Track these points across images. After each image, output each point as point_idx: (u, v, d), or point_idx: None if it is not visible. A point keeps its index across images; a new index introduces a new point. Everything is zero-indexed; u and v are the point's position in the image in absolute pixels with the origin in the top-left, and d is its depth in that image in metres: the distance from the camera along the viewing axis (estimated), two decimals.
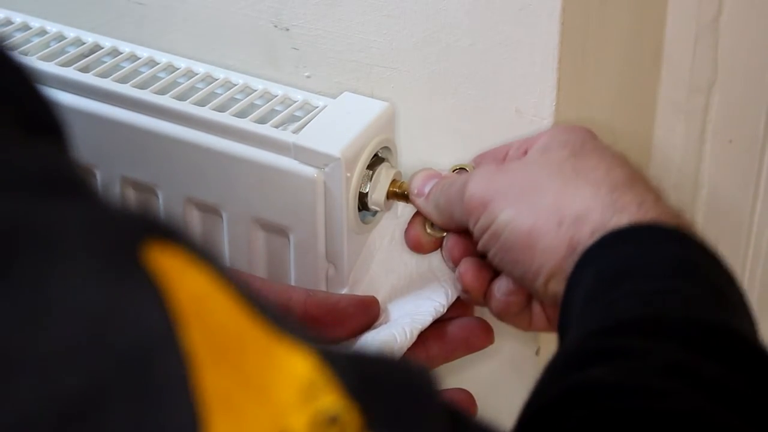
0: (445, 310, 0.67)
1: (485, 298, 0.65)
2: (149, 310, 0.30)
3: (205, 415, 0.30)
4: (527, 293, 0.63)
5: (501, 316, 0.65)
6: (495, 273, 0.64)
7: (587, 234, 0.56)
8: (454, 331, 0.67)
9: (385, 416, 0.34)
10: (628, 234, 0.56)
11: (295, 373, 0.33)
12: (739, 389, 0.47)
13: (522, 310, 0.64)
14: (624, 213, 0.56)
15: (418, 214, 0.68)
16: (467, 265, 0.65)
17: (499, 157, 0.66)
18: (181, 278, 0.31)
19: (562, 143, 0.61)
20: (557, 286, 0.58)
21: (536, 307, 0.64)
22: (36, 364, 0.28)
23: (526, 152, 0.63)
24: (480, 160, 0.67)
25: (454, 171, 0.68)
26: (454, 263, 0.66)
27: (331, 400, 0.33)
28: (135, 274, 0.31)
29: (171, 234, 0.32)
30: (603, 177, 0.58)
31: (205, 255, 0.33)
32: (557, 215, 0.57)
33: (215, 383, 0.30)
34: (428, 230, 0.68)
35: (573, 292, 0.56)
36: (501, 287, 0.63)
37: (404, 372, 0.37)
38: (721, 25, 0.77)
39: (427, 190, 0.66)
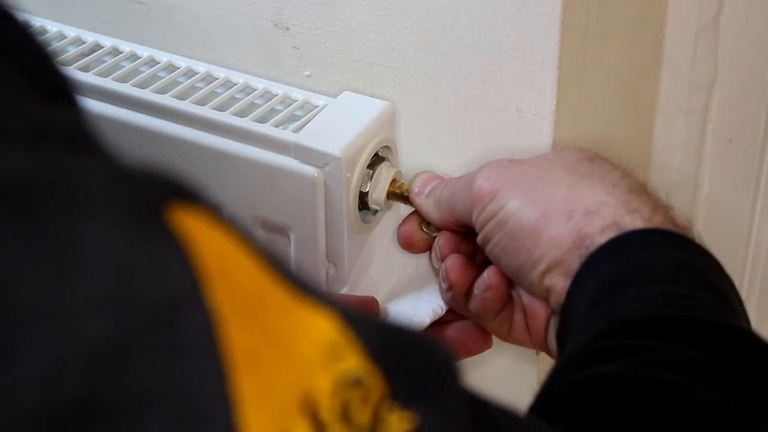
0: (444, 312, 0.67)
1: (466, 297, 0.65)
2: (175, 265, 0.30)
3: (230, 369, 0.30)
4: (505, 293, 0.63)
5: (480, 316, 0.65)
6: (479, 273, 0.64)
7: (598, 229, 0.57)
8: (453, 334, 0.67)
9: (407, 384, 0.34)
10: (636, 238, 0.56)
11: (318, 334, 0.33)
12: (751, 385, 0.47)
13: (499, 312, 0.64)
14: (636, 214, 0.57)
15: (414, 213, 0.68)
16: (453, 260, 0.65)
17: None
18: (204, 237, 0.31)
19: (577, 150, 0.62)
20: (554, 279, 0.58)
21: (517, 316, 0.64)
22: (64, 314, 0.28)
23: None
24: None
25: None
26: (442, 260, 0.66)
27: (354, 362, 0.33)
28: (160, 230, 0.31)
29: (194, 195, 0.33)
30: (618, 180, 0.59)
31: (226, 218, 0.33)
32: (568, 206, 0.58)
33: (240, 339, 0.30)
34: (423, 228, 0.68)
35: (574, 301, 0.56)
36: (481, 283, 0.63)
37: (428, 344, 0.37)
38: (721, 25, 0.77)
39: (427, 190, 0.66)
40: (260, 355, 0.31)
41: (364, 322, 0.35)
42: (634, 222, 0.56)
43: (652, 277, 0.54)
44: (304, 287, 0.34)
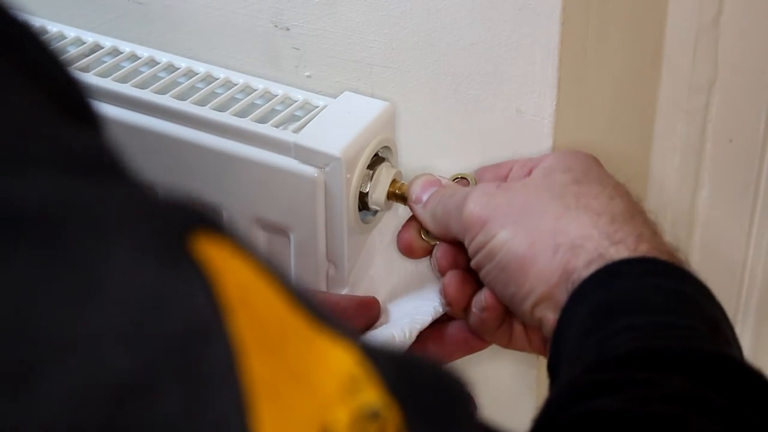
0: (444, 312, 0.67)
1: (465, 312, 0.65)
2: (198, 295, 0.30)
3: (251, 401, 0.30)
4: (502, 312, 0.63)
5: (478, 331, 0.65)
6: (477, 288, 0.64)
7: (583, 264, 0.56)
8: (453, 332, 0.67)
9: (423, 417, 0.35)
10: (623, 268, 0.56)
11: (337, 367, 0.33)
12: (744, 415, 0.47)
13: (498, 328, 0.64)
14: (621, 245, 0.56)
15: (413, 218, 0.68)
16: (451, 278, 0.65)
17: (502, 173, 0.66)
18: (227, 267, 0.32)
19: (566, 168, 0.61)
20: (544, 312, 0.58)
21: (517, 327, 0.64)
22: (86, 344, 0.28)
23: (530, 172, 0.63)
24: (482, 172, 0.67)
25: (454, 179, 0.68)
26: (441, 274, 0.66)
27: (372, 395, 0.33)
28: (184, 260, 0.31)
29: (216, 225, 0.33)
30: (604, 206, 0.58)
31: (249, 247, 0.33)
32: (554, 241, 0.57)
33: (261, 371, 0.31)
34: (423, 236, 0.68)
35: (564, 331, 0.56)
36: (478, 303, 0.64)
37: (443, 377, 0.38)
38: (721, 25, 0.77)
39: (425, 197, 0.66)
40: (281, 386, 0.31)
41: (382, 354, 0.35)
42: (619, 253, 0.56)
43: (642, 307, 0.54)
44: (324, 318, 0.34)
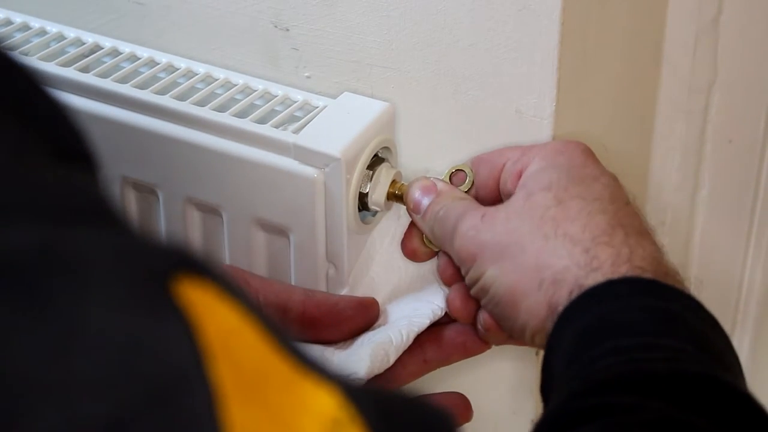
0: (443, 314, 0.67)
1: (473, 325, 0.66)
2: (178, 342, 0.30)
3: None
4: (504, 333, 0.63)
5: (485, 340, 0.66)
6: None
7: (565, 295, 0.57)
8: (451, 335, 0.67)
9: None
10: (603, 291, 0.56)
11: (320, 410, 0.33)
12: None
13: (503, 342, 0.65)
14: (599, 271, 0.56)
15: (414, 224, 0.68)
16: (455, 293, 0.66)
17: (496, 167, 0.65)
18: (210, 312, 0.31)
19: (548, 184, 0.60)
20: (543, 340, 0.58)
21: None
22: (63, 391, 0.28)
23: (520, 174, 0.63)
24: (478, 164, 0.67)
25: (451, 174, 0.68)
26: (445, 284, 0.67)
27: None
28: (165, 305, 0.31)
29: (202, 268, 0.32)
30: (581, 230, 0.58)
31: (233, 290, 0.33)
32: (537, 276, 0.58)
33: (242, 417, 0.30)
34: (425, 243, 0.68)
35: (553, 355, 0.56)
36: (480, 321, 0.64)
37: (426, 414, 0.38)
38: (721, 25, 0.77)
39: (423, 205, 0.66)
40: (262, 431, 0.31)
41: (366, 396, 0.35)
42: (597, 280, 0.56)
43: (626, 329, 0.53)
44: (307, 361, 0.34)
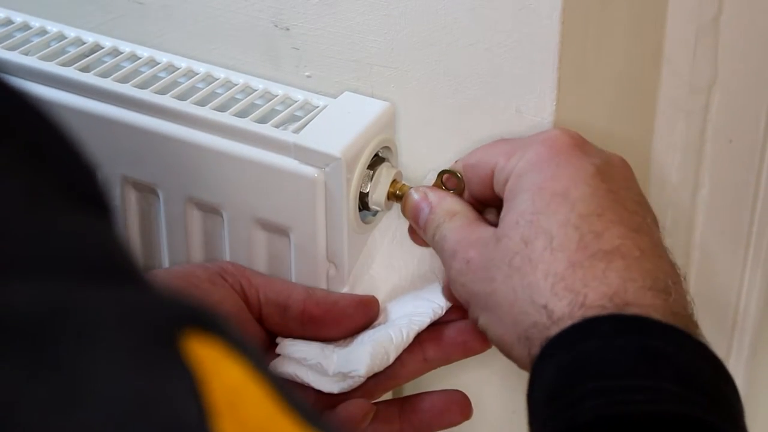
0: (444, 312, 0.67)
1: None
2: (184, 399, 0.30)
3: None
4: None
5: None
6: None
7: (538, 347, 0.56)
8: (452, 334, 0.67)
9: None
10: (581, 331, 0.54)
11: None
12: None
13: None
14: (560, 322, 0.55)
15: None
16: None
17: (486, 173, 0.64)
18: (217, 369, 0.31)
19: (515, 220, 0.59)
20: None
21: None
22: None
23: (506, 181, 0.62)
24: (468, 169, 0.66)
25: (441, 177, 0.67)
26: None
27: None
28: (171, 363, 0.31)
29: (210, 324, 0.33)
30: (543, 277, 0.57)
31: (241, 346, 0.33)
32: (515, 331, 0.58)
33: None
34: None
35: (535, 392, 0.55)
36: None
37: None
38: (721, 25, 0.77)
39: (422, 221, 0.66)
40: None
41: None
42: (560, 328, 0.55)
43: (608, 370, 0.52)
44: (313, 420, 0.34)
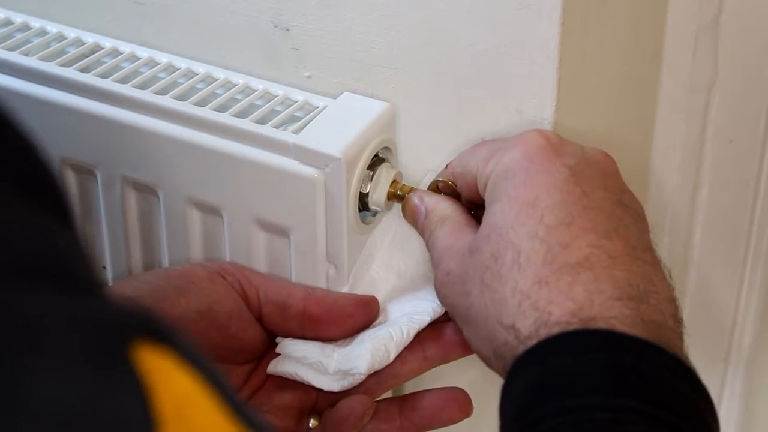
0: (444, 311, 0.67)
1: None
2: (131, 408, 0.30)
3: None
4: None
5: None
6: None
7: (510, 365, 0.56)
8: (452, 333, 0.67)
9: None
10: (548, 348, 0.54)
11: None
12: None
13: None
14: (523, 344, 0.55)
15: None
16: None
17: (471, 180, 0.64)
18: (166, 379, 0.31)
19: (487, 233, 0.59)
20: None
21: None
22: None
23: (485, 186, 0.62)
24: (456, 177, 0.66)
25: (437, 185, 0.67)
26: None
27: None
28: (119, 371, 0.31)
29: (161, 334, 0.33)
30: (511, 294, 0.56)
31: (192, 357, 0.33)
32: (490, 348, 0.58)
33: None
34: None
35: (504, 411, 0.55)
36: None
37: None
38: (721, 25, 0.77)
39: (419, 228, 0.67)
40: None
41: None
42: (526, 346, 0.55)
43: (571, 388, 0.52)
44: (260, 429, 0.34)
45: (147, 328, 0.32)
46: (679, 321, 0.57)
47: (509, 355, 0.56)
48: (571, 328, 0.54)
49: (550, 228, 0.57)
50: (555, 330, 0.54)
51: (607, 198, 0.59)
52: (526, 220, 0.58)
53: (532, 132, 0.62)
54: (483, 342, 0.59)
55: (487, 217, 0.60)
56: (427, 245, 0.65)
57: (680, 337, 0.56)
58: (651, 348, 0.53)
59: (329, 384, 0.65)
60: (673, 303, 0.57)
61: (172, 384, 0.32)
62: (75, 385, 0.29)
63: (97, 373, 0.30)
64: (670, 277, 0.59)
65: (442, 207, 0.65)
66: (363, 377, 0.65)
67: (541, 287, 0.55)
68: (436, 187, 0.67)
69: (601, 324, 0.53)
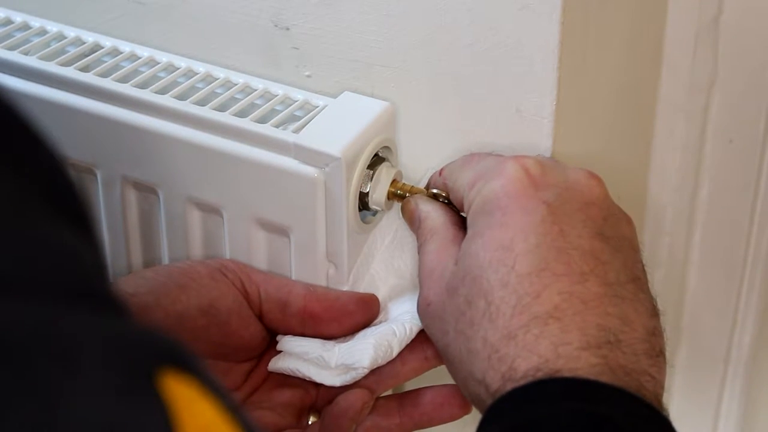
0: None
1: None
2: None
3: None
4: None
5: None
6: None
7: (488, 407, 0.56)
8: None
9: None
10: (524, 394, 0.54)
11: None
12: None
13: None
14: (492, 397, 0.55)
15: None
16: None
17: (458, 197, 0.64)
18: (190, 407, 0.32)
19: (462, 276, 0.59)
20: None
21: None
22: None
23: (468, 212, 0.62)
24: (450, 193, 0.66)
25: (429, 194, 0.67)
26: None
27: None
28: (148, 397, 0.31)
29: (186, 363, 0.33)
30: (482, 345, 0.56)
31: (215, 387, 0.34)
32: (466, 391, 0.59)
33: None
34: None
35: None
36: None
37: None
38: (721, 25, 0.77)
39: (414, 231, 0.67)
40: None
41: None
42: (499, 394, 0.55)
43: None
44: None
45: (173, 356, 0.33)
46: (656, 355, 0.56)
47: (481, 406, 0.57)
48: (553, 374, 0.53)
49: (522, 276, 0.56)
50: (520, 384, 0.54)
51: (585, 234, 0.58)
52: (499, 267, 0.57)
53: (513, 163, 0.60)
54: (459, 383, 0.60)
55: (464, 256, 0.59)
56: (418, 253, 0.65)
57: (655, 375, 0.55)
58: (617, 394, 0.52)
59: (331, 379, 0.65)
60: (650, 338, 0.56)
61: (196, 413, 0.32)
62: (107, 408, 0.30)
63: (128, 399, 0.31)
64: (655, 304, 0.58)
65: (433, 218, 0.65)
66: (366, 371, 0.65)
67: (509, 341, 0.55)
68: (432, 195, 0.67)
69: (567, 376, 0.53)
